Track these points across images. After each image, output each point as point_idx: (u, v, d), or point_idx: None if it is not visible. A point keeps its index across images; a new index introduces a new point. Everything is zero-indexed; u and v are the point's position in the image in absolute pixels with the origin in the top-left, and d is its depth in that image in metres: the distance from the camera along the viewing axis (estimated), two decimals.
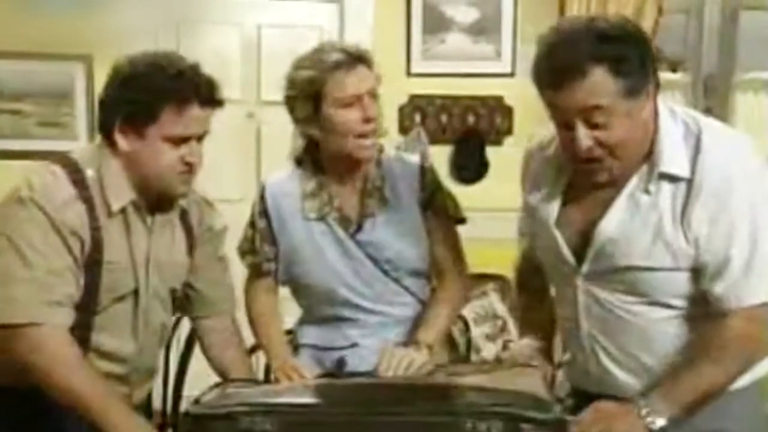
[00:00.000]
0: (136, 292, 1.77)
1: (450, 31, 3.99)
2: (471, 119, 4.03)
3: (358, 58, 1.89)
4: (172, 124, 1.68)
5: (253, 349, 2.18)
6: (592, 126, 1.51)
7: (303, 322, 2.12)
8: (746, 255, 1.53)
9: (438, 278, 2.07)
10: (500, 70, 4.04)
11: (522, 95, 4.09)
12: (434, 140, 3.93)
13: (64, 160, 1.76)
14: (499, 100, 4.07)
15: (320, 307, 2.03)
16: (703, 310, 1.59)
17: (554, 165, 1.71)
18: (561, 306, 1.78)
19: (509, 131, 4.08)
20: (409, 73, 3.90)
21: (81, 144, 3.65)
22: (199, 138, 1.74)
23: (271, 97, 3.62)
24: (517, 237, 1.93)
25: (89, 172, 1.72)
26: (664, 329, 1.63)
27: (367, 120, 1.88)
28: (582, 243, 1.64)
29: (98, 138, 1.79)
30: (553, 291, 1.86)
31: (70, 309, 1.67)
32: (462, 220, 2.07)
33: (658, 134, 1.57)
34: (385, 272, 1.98)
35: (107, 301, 1.73)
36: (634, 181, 1.59)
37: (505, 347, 3.87)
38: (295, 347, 2.10)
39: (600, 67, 1.48)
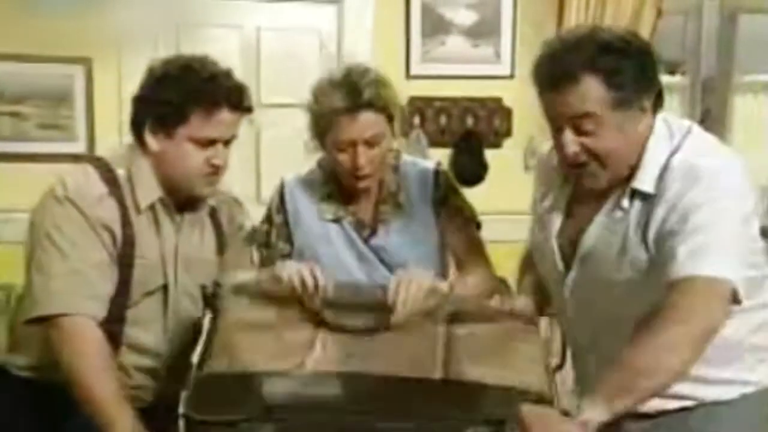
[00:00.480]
0: (165, 288, 1.81)
1: (449, 33, 4.00)
2: (470, 121, 4.04)
3: (364, 104, 1.88)
4: (201, 127, 1.73)
5: None
6: (582, 133, 1.54)
7: None
8: (685, 236, 1.49)
9: (458, 274, 2.08)
10: (499, 72, 4.05)
11: (521, 97, 4.10)
12: (433, 142, 3.93)
13: (95, 160, 1.82)
14: (498, 102, 4.07)
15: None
16: None
17: (561, 174, 1.73)
18: (558, 314, 1.83)
19: (508, 133, 4.09)
20: (408, 76, 3.91)
21: (80, 146, 3.67)
22: (227, 142, 1.78)
23: (270, 100, 3.62)
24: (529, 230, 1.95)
25: (120, 171, 1.78)
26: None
27: (356, 167, 1.91)
28: (571, 253, 1.69)
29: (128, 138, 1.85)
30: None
31: (103, 303, 1.72)
32: (478, 225, 2.11)
33: (645, 151, 1.59)
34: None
35: (138, 296, 1.78)
36: (614, 197, 1.62)
37: None
38: None
39: (594, 76, 1.51)
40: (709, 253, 1.47)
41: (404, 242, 2.01)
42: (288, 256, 2.03)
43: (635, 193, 1.59)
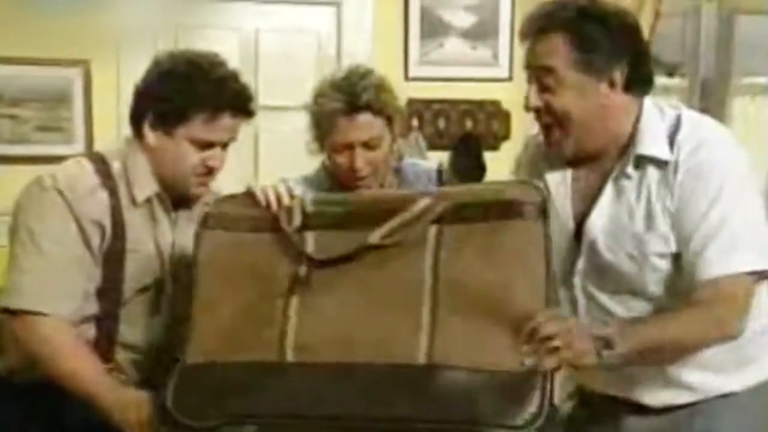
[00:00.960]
0: (160, 284, 1.79)
1: (448, 35, 4.00)
2: (468, 124, 4.04)
3: (362, 107, 1.88)
4: (201, 129, 1.71)
5: None
6: (543, 88, 1.58)
7: None
8: (713, 231, 1.52)
9: None
10: (498, 74, 4.05)
11: (519, 100, 4.06)
12: (432, 145, 3.94)
13: (91, 154, 1.81)
14: (496, 104, 4.07)
15: None
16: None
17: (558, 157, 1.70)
18: (564, 305, 1.72)
19: (507, 136, 4.09)
20: (406, 78, 3.91)
21: (79, 148, 3.66)
22: (225, 144, 1.76)
23: (268, 102, 3.62)
24: None
25: (115, 164, 1.76)
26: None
27: (352, 170, 1.91)
28: (576, 239, 1.65)
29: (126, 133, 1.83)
30: None
31: (80, 300, 1.69)
32: None
33: (640, 125, 1.60)
34: None
35: (131, 292, 1.75)
36: (617, 169, 1.61)
37: None
38: None
39: (563, 34, 1.56)
40: (739, 247, 1.51)
41: None
42: None
43: (644, 161, 1.59)
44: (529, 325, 1.34)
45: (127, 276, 1.74)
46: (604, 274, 1.63)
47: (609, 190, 1.61)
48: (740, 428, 1.65)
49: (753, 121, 4.44)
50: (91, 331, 1.72)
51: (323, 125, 1.92)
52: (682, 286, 1.57)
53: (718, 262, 1.51)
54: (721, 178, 1.55)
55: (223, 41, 3.73)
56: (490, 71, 4.05)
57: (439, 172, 2.11)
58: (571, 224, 1.66)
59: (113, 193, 1.72)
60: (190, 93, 1.69)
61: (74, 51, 3.62)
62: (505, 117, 4.08)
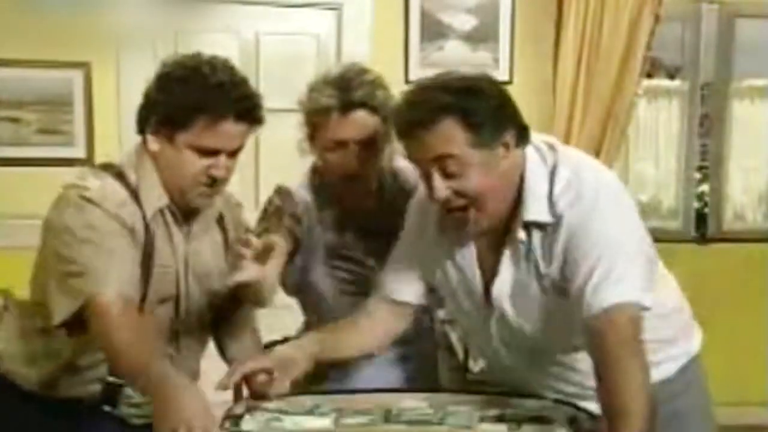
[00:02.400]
0: (176, 297, 1.76)
1: (448, 38, 4.00)
2: None
3: (357, 103, 1.84)
4: (203, 135, 1.65)
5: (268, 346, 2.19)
6: (448, 175, 1.56)
7: (308, 327, 2.10)
8: (598, 273, 1.54)
9: None
10: (498, 77, 4.02)
11: (520, 103, 4.08)
12: None
13: (107, 166, 1.74)
14: None
15: (326, 313, 2.01)
16: None
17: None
18: (475, 339, 1.83)
19: None
20: (407, 81, 3.91)
21: (80, 150, 3.66)
22: (232, 152, 1.70)
23: (269, 105, 3.62)
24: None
25: (132, 177, 1.71)
26: (577, 364, 1.69)
27: (345, 168, 1.86)
28: (487, 304, 1.69)
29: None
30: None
31: (134, 287, 1.64)
32: None
33: (525, 183, 1.61)
34: None
35: (151, 304, 1.72)
36: (512, 235, 1.62)
37: None
38: None
39: (448, 117, 1.54)
40: (610, 282, 1.53)
41: None
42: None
43: (530, 226, 1.61)
44: None
45: (151, 288, 1.70)
46: (515, 337, 1.68)
47: (506, 257, 1.63)
48: (688, 396, 1.76)
49: (753, 123, 4.44)
50: None
51: (315, 122, 1.86)
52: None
53: (606, 294, 1.52)
54: (597, 228, 1.56)
55: (223, 44, 3.73)
56: (490, 74, 4.03)
57: None
58: (479, 294, 1.69)
59: (140, 206, 1.69)
60: (192, 97, 1.63)
61: (75, 53, 3.62)
62: None
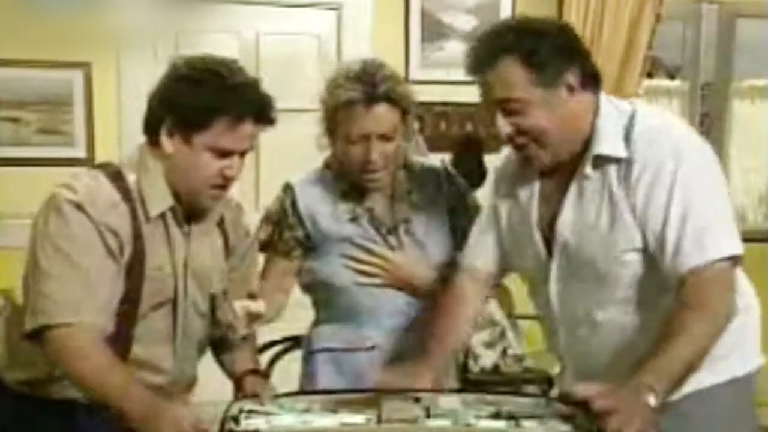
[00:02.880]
0: (174, 301, 1.75)
1: (448, 38, 4.00)
2: (469, 126, 4.04)
3: (380, 97, 1.88)
4: (223, 137, 1.65)
5: (261, 349, 2.19)
6: (510, 113, 1.62)
7: (319, 323, 2.11)
8: (679, 225, 1.56)
9: None
10: None
11: None
12: (433, 147, 3.93)
13: (105, 165, 1.74)
14: None
15: (342, 309, 2.02)
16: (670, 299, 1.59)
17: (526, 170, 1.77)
18: (538, 310, 1.83)
19: None
20: (407, 81, 3.90)
21: (80, 151, 3.66)
22: (242, 153, 1.71)
23: None
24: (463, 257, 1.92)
25: (131, 177, 1.70)
26: (637, 326, 1.66)
27: (368, 161, 1.90)
28: (547, 245, 1.71)
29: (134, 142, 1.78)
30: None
31: (109, 315, 1.65)
32: None
33: (597, 122, 1.65)
34: None
35: (146, 309, 1.71)
36: (577, 174, 1.66)
37: (504, 354, 3.87)
38: (308, 353, 2.09)
39: (508, 57, 1.60)
40: (709, 234, 1.55)
41: (420, 239, 2.02)
42: (299, 257, 2.02)
43: (601, 161, 1.63)
44: (578, 394, 1.39)
45: (144, 293, 1.69)
46: (577, 275, 1.67)
47: (572, 192, 1.67)
48: (712, 422, 1.68)
49: (753, 123, 4.45)
50: None
51: (338, 116, 1.89)
52: (653, 279, 1.61)
53: (693, 254, 1.54)
54: (675, 170, 1.58)
55: (223, 44, 3.73)
56: None
57: (447, 171, 2.13)
58: (537, 231, 1.72)
59: (133, 209, 1.67)
60: (212, 99, 1.63)
61: (75, 53, 3.62)
62: None
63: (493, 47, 1.62)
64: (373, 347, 1.99)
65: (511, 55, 1.60)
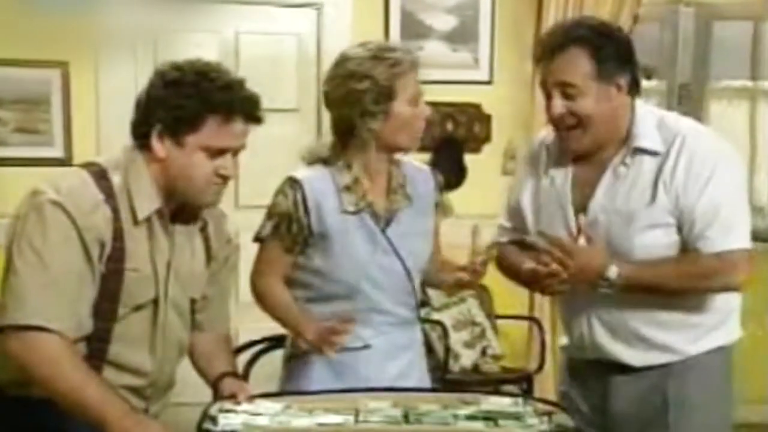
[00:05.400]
0: (155, 302, 1.75)
1: (428, 38, 4.02)
2: (449, 127, 4.05)
3: (417, 62, 2.02)
4: (214, 136, 1.68)
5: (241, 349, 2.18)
6: (566, 96, 1.86)
7: None
8: (710, 214, 1.84)
9: (435, 263, 2.17)
10: (478, 77, 4.07)
11: (500, 103, 4.11)
12: None
13: (90, 165, 1.74)
14: (477, 107, 4.09)
15: (336, 306, 2.03)
16: None
17: (562, 155, 2.01)
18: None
19: (487, 139, 4.10)
20: None
21: (58, 150, 3.64)
22: (235, 152, 1.74)
23: None
24: (499, 231, 2.17)
25: (116, 178, 1.71)
26: (657, 298, 1.89)
27: (425, 118, 2.03)
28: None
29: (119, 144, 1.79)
30: None
31: (80, 318, 1.66)
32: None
33: (635, 121, 1.91)
34: (406, 268, 2.04)
35: (126, 310, 1.71)
36: (616, 160, 1.91)
37: (483, 353, 3.89)
38: (294, 355, 2.07)
39: (579, 47, 1.85)
40: (734, 227, 1.85)
41: (413, 233, 2.06)
42: (302, 252, 2.03)
43: (638, 153, 1.90)
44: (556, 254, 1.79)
45: (123, 294, 1.70)
46: (603, 246, 1.90)
47: (608, 176, 1.92)
48: (704, 388, 1.94)
49: (729, 124, 4.49)
50: (80, 348, 1.68)
51: (397, 83, 1.95)
52: (666, 252, 1.87)
53: (718, 240, 1.84)
54: (712, 165, 1.86)
55: (202, 44, 3.72)
56: (470, 74, 4.06)
57: (434, 172, 2.18)
58: (571, 208, 1.96)
59: (115, 210, 1.68)
60: (202, 99, 1.66)
61: (53, 52, 3.60)
62: (485, 120, 4.09)
63: (567, 36, 1.86)
64: (366, 346, 2.00)
65: (581, 46, 1.84)
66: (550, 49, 1.88)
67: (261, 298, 2.07)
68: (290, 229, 2.01)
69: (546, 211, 2.01)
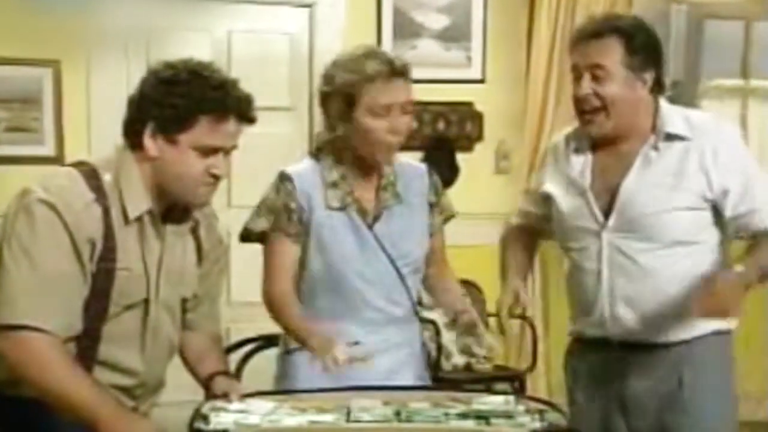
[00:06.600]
0: (146, 302, 1.75)
1: (420, 37, 4.02)
2: (441, 126, 4.05)
3: (398, 72, 1.97)
4: (206, 135, 1.69)
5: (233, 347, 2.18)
6: (595, 78, 1.98)
7: None
8: (742, 190, 1.97)
9: (436, 266, 2.17)
10: (470, 76, 4.07)
11: (492, 102, 4.12)
12: (404, 146, 3.92)
13: (81, 164, 1.74)
14: (469, 106, 4.09)
15: (326, 301, 2.03)
16: (712, 247, 2.01)
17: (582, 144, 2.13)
18: (582, 262, 2.07)
19: (480, 137, 4.11)
20: None
21: (49, 149, 3.63)
22: (227, 152, 1.74)
23: None
24: (519, 212, 2.27)
25: (106, 177, 1.71)
26: (678, 272, 1.98)
27: (393, 132, 1.97)
28: (608, 202, 2.03)
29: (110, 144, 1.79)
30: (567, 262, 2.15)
31: (70, 319, 1.66)
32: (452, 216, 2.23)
33: (660, 114, 2.02)
34: (396, 267, 2.04)
35: (117, 309, 1.71)
36: (645, 147, 2.02)
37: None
38: (286, 352, 2.08)
39: (615, 35, 1.97)
40: None
41: (403, 231, 2.06)
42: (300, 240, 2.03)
43: (667, 137, 2.00)
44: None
45: (114, 293, 1.70)
46: (630, 226, 2.00)
47: (639, 161, 2.01)
48: (716, 370, 2.04)
49: None
50: (70, 347, 1.68)
51: (356, 92, 1.94)
52: (694, 232, 1.98)
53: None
54: (738, 147, 2.03)
55: (195, 43, 3.72)
56: (463, 73, 4.06)
57: (429, 171, 2.18)
58: (591, 195, 2.04)
59: (106, 209, 1.68)
60: (195, 98, 1.67)
61: (44, 51, 3.59)
62: (478, 119, 4.09)
63: (606, 25, 2.00)
64: (356, 343, 2.00)
65: (617, 35, 1.97)
66: (586, 35, 2.01)
67: (275, 310, 2.05)
68: (290, 217, 2.02)
69: (569, 197, 2.09)
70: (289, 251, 2.04)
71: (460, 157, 4.06)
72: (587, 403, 2.08)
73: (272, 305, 2.05)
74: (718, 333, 2.02)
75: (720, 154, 1.97)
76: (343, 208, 2.02)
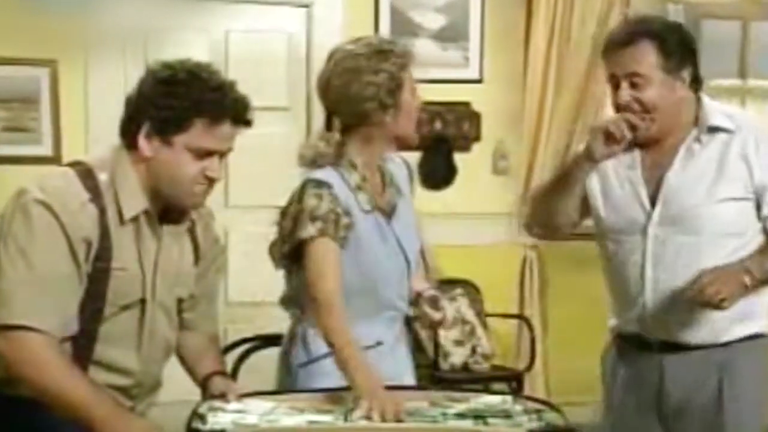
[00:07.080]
0: (142, 302, 1.75)
1: (418, 36, 4.02)
2: (439, 125, 4.05)
3: (412, 52, 2.08)
4: (202, 137, 1.68)
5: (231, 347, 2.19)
6: (633, 86, 1.99)
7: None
8: None
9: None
10: (468, 76, 4.07)
11: (490, 101, 4.13)
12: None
13: (77, 164, 1.74)
14: (467, 106, 4.09)
15: (357, 303, 1.97)
16: (759, 242, 2.00)
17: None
18: (625, 256, 2.08)
19: (477, 137, 4.11)
20: None
21: (46, 149, 3.63)
22: (223, 154, 1.74)
23: None
24: None
25: (102, 177, 1.71)
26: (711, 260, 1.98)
27: (418, 107, 2.09)
28: (653, 194, 2.06)
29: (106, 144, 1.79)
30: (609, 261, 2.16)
31: (66, 318, 1.66)
32: None
33: (702, 107, 2.05)
34: (408, 261, 2.05)
35: (113, 309, 1.71)
36: (688, 140, 2.04)
37: (473, 352, 3.90)
38: (309, 361, 1.99)
39: (647, 40, 1.98)
40: None
41: (408, 224, 2.08)
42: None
43: (710, 129, 2.03)
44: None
45: (110, 293, 1.70)
46: (676, 218, 2.02)
47: (681, 154, 2.04)
48: (749, 366, 2.03)
49: None
50: (66, 347, 1.68)
51: (403, 74, 2.00)
52: (735, 222, 2.00)
53: None
54: None
55: (192, 43, 3.72)
56: (460, 73, 4.07)
57: (408, 164, 2.17)
58: (644, 188, 2.07)
59: (102, 209, 1.68)
60: (192, 100, 1.66)
61: (42, 51, 3.59)
62: (475, 118, 4.10)
63: (637, 30, 2.01)
64: (379, 343, 2.00)
65: (650, 39, 1.98)
66: (618, 42, 2.01)
67: (324, 306, 1.92)
68: (338, 223, 1.94)
69: (616, 193, 2.11)
70: (336, 255, 1.95)
71: (458, 157, 4.06)
72: (624, 405, 2.10)
73: (322, 304, 1.92)
74: (754, 337, 2.02)
75: (761, 147, 2.00)
76: (371, 210, 2.01)
